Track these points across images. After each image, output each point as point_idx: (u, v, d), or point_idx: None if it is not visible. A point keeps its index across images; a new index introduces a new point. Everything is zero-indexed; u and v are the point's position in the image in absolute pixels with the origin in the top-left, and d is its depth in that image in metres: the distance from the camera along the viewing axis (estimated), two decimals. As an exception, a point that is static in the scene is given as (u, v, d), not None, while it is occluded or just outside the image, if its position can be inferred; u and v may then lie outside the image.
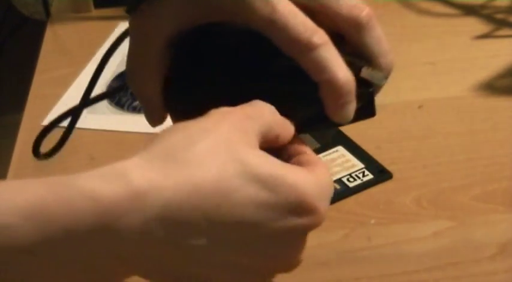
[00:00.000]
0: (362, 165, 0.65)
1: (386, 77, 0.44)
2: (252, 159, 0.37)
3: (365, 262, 0.57)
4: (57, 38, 0.94)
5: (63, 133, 0.66)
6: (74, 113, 0.65)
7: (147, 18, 0.43)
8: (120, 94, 0.80)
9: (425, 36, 0.85)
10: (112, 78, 0.82)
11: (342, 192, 0.62)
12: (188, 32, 0.43)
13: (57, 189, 0.34)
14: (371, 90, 0.44)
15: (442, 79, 0.77)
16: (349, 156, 0.66)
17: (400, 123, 0.71)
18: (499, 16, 0.87)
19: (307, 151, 0.42)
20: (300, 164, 0.41)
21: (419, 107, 0.73)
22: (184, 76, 0.45)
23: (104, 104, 0.78)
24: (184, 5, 0.43)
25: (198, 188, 0.35)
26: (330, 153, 0.66)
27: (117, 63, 0.85)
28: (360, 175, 0.64)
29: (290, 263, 0.40)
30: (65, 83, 0.82)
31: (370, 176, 0.64)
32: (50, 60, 0.87)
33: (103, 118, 0.77)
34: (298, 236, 0.39)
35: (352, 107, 0.42)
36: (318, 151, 0.66)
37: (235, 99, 0.40)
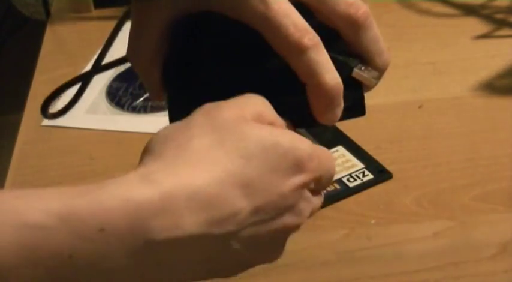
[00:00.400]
0: (362, 165, 0.65)
1: (379, 77, 0.44)
2: (251, 135, 0.38)
3: (365, 262, 0.57)
4: (57, 38, 0.94)
5: (74, 95, 0.66)
6: (85, 78, 0.66)
7: (147, 3, 0.44)
8: (120, 94, 0.80)
9: (425, 36, 0.85)
10: (112, 78, 0.82)
11: (342, 192, 0.62)
12: (189, 16, 0.44)
13: (87, 194, 0.34)
14: (361, 90, 0.44)
15: (442, 79, 0.77)
16: (349, 156, 0.66)
17: (400, 123, 0.71)
18: (499, 16, 0.87)
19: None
20: None
21: (419, 107, 0.73)
22: (180, 58, 0.45)
23: (104, 104, 0.79)
24: None
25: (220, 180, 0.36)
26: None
27: (117, 63, 0.85)
28: (360, 175, 0.64)
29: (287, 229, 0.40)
30: (65, 83, 0.82)
31: (370, 176, 0.64)
32: (50, 60, 0.87)
33: (103, 118, 0.77)
34: (299, 201, 0.40)
35: (338, 110, 0.42)
36: (318, 151, 0.66)
37: (226, 84, 0.41)
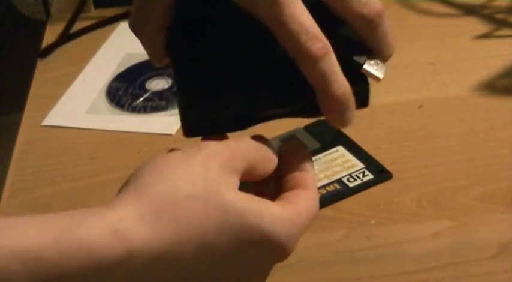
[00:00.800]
0: (362, 165, 0.65)
1: (385, 70, 0.44)
2: (231, 205, 0.38)
3: (365, 262, 0.57)
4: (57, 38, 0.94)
5: (66, 24, 0.64)
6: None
7: None
8: (120, 94, 0.80)
9: (425, 36, 0.85)
10: (112, 78, 0.82)
11: (342, 192, 0.62)
12: None
13: (56, 236, 0.35)
14: (368, 84, 0.43)
15: (442, 79, 0.77)
16: (349, 156, 0.66)
17: (400, 123, 0.71)
18: (499, 16, 0.87)
19: (302, 169, 0.43)
20: (290, 186, 0.42)
21: (420, 107, 0.73)
22: (186, 25, 0.45)
23: (104, 104, 0.79)
24: None
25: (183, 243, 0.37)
26: (330, 153, 0.66)
27: (117, 63, 0.85)
28: (360, 175, 0.64)
29: None
30: (65, 83, 0.82)
31: (370, 176, 0.64)
32: (50, 60, 0.87)
33: (103, 118, 0.77)
34: (265, 267, 0.41)
35: (349, 113, 0.42)
36: (318, 151, 0.66)
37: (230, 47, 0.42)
